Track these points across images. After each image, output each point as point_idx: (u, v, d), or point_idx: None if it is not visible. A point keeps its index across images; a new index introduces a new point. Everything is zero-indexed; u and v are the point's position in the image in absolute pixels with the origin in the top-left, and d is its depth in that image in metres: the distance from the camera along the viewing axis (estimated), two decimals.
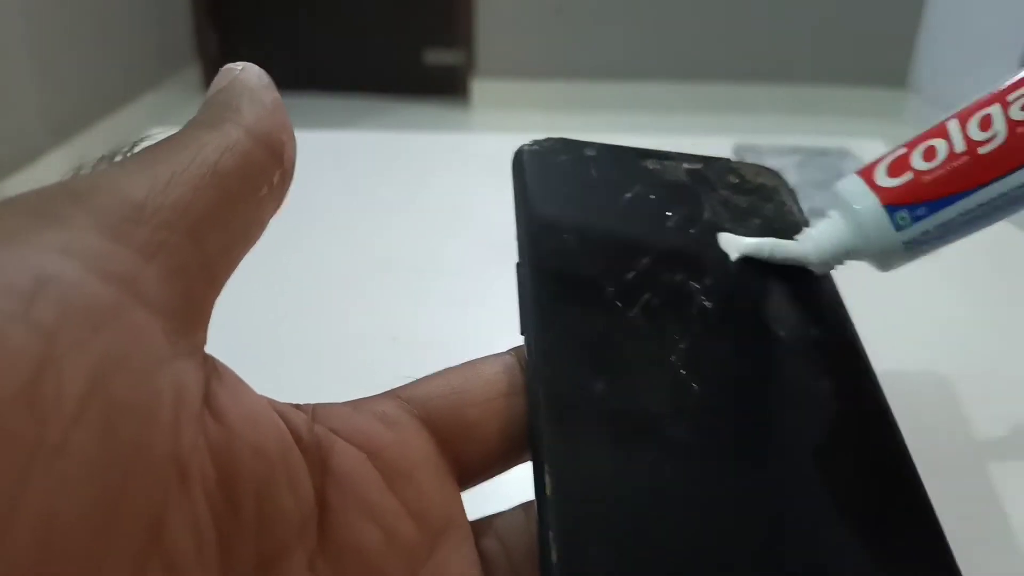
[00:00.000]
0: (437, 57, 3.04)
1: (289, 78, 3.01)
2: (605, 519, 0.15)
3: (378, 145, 0.67)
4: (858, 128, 2.79)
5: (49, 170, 2.02)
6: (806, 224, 0.22)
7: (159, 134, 0.16)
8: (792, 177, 0.58)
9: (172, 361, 0.12)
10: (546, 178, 0.22)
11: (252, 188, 0.15)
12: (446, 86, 3.05)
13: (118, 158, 0.14)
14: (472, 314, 0.41)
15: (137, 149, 0.14)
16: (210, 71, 3.01)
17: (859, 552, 0.16)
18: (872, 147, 0.69)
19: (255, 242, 0.15)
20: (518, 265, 0.20)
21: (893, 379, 0.20)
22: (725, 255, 0.21)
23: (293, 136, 0.16)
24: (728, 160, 0.24)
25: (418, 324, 0.41)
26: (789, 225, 0.22)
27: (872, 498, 0.17)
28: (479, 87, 2.98)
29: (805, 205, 0.24)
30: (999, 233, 0.55)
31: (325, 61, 3.01)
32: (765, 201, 0.23)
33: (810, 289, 0.21)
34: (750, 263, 0.21)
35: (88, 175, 0.13)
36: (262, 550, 0.14)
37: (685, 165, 0.23)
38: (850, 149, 0.66)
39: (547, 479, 0.15)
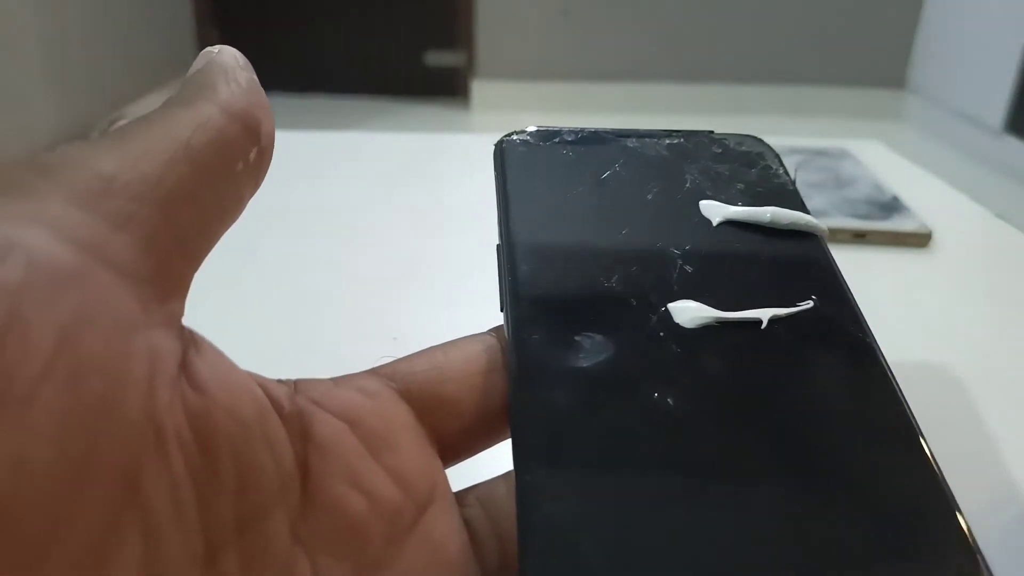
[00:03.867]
0: (437, 58, 3.04)
1: (290, 79, 3.01)
2: (579, 501, 0.15)
3: (378, 146, 0.67)
4: (857, 129, 2.80)
5: None
6: (793, 185, 0.22)
7: (132, 115, 0.16)
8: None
9: (146, 327, 0.13)
10: (525, 163, 0.23)
11: (226, 164, 0.15)
12: (446, 87, 3.05)
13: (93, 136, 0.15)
14: (472, 314, 0.41)
15: (111, 129, 0.15)
16: None
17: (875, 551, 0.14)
18: (871, 148, 0.69)
19: (234, 219, 0.15)
20: (497, 246, 0.20)
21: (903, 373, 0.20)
22: (707, 222, 0.21)
23: (270, 114, 0.17)
24: (710, 132, 0.24)
25: (418, 324, 0.42)
26: (775, 188, 0.22)
27: (887, 495, 0.15)
28: (479, 88, 2.98)
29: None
30: (999, 232, 0.55)
31: (326, 62, 3.01)
32: (749, 167, 0.23)
33: (801, 256, 0.21)
34: (733, 230, 0.21)
35: (58, 150, 0.13)
36: (241, 511, 0.14)
37: (666, 140, 0.23)
38: (849, 150, 0.66)
39: (518, 457, 0.15)
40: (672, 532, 0.14)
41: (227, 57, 0.17)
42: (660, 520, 0.15)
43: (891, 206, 0.55)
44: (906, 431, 0.17)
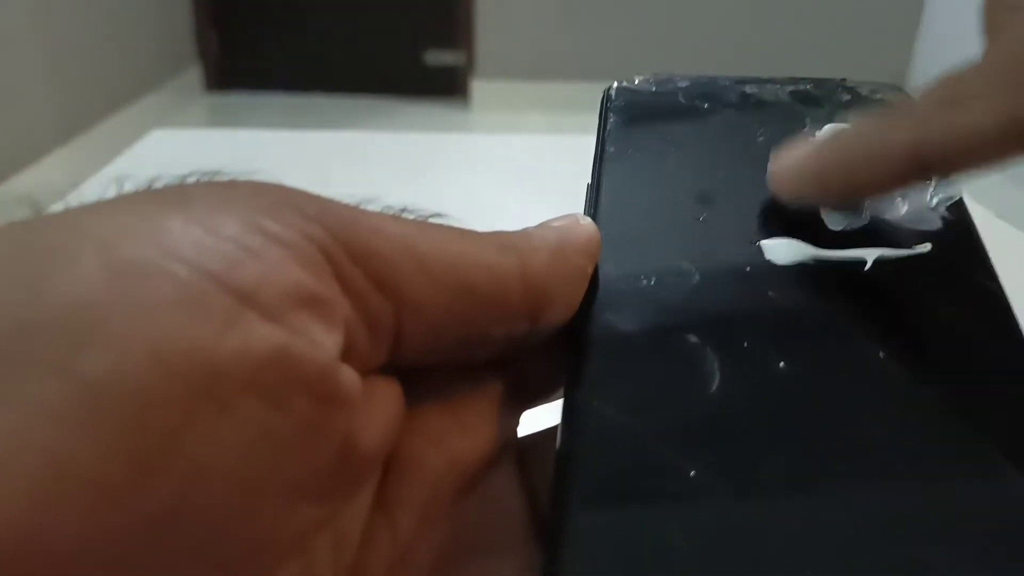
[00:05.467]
0: (437, 58, 3.04)
1: (289, 78, 3.01)
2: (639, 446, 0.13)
3: (378, 145, 0.67)
4: None
5: (53, 169, 2.02)
6: None
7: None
8: None
9: (337, 365, 0.12)
10: (630, 107, 0.21)
11: (486, 318, 0.15)
12: (446, 87, 3.05)
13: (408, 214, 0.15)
14: None
15: (433, 219, 0.15)
16: (211, 71, 3.02)
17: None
18: None
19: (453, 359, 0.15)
20: (587, 185, 0.19)
21: None
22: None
23: (565, 313, 0.16)
24: (843, 79, 0.22)
25: None
26: None
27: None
28: (479, 88, 2.98)
29: None
30: (1000, 232, 0.55)
31: (325, 61, 3.01)
32: None
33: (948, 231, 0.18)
34: None
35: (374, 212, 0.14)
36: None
37: (790, 87, 0.22)
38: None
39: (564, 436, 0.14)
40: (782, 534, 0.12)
41: (581, 235, 0.16)
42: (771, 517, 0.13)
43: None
44: None
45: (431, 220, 0.15)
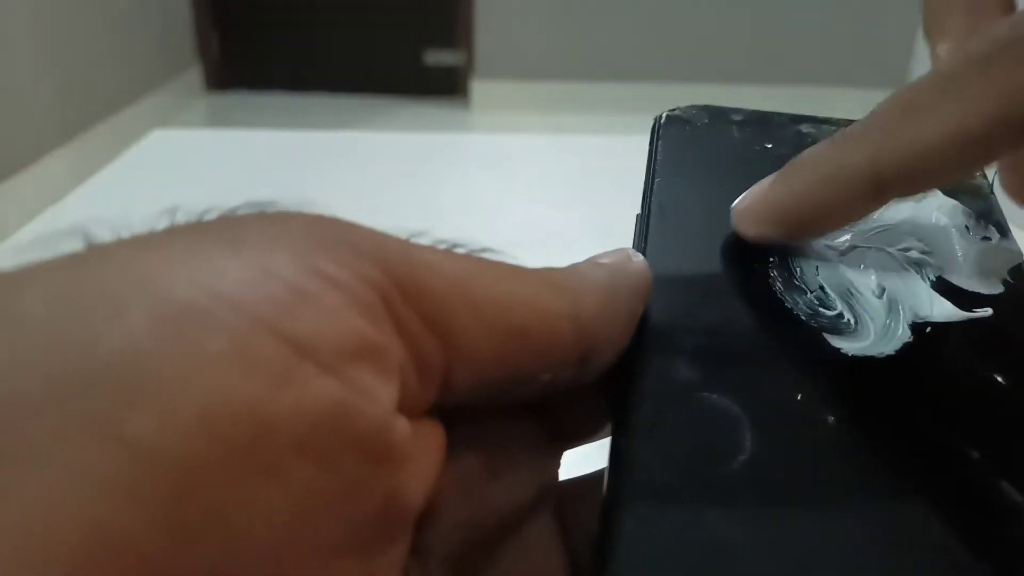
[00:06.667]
0: (437, 58, 3.04)
1: (289, 78, 3.01)
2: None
3: (378, 145, 0.67)
4: None
5: (52, 169, 2.02)
6: (990, 189, 0.20)
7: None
8: None
9: (392, 420, 0.12)
10: (681, 139, 0.21)
11: (535, 361, 0.14)
12: (446, 87, 3.05)
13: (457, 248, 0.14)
14: None
15: (484, 254, 0.15)
16: (211, 72, 3.02)
17: None
18: None
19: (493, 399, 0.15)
20: (638, 216, 0.19)
21: None
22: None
23: (614, 355, 0.15)
24: None
25: None
26: (968, 189, 0.20)
27: None
28: (479, 88, 2.98)
29: None
30: None
31: (325, 61, 3.01)
32: None
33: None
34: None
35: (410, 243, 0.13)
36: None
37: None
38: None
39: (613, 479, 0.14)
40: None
41: (634, 274, 0.16)
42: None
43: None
44: None
45: (483, 255, 0.14)
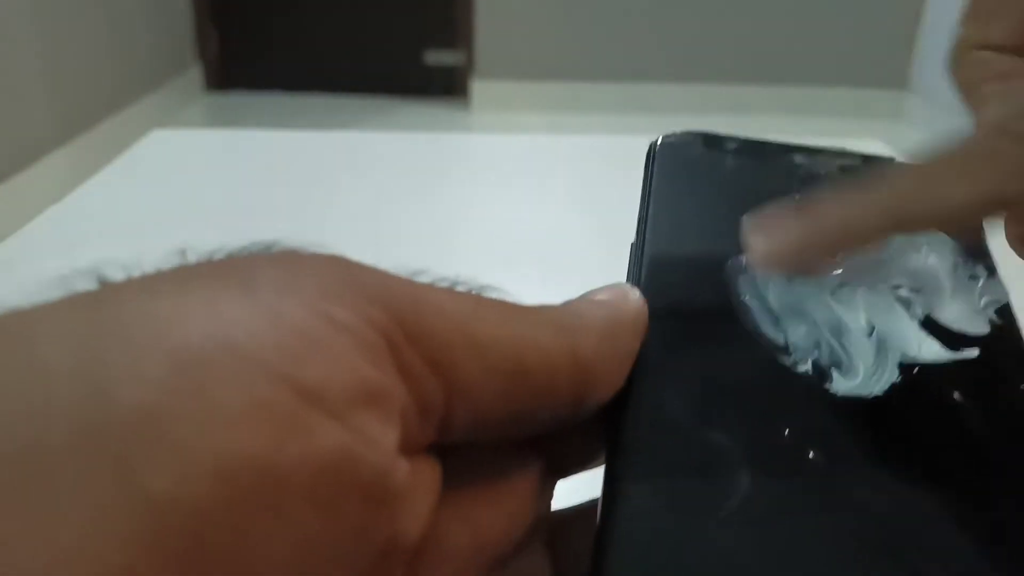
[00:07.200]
0: (437, 58, 3.04)
1: (289, 78, 3.01)
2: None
3: (378, 145, 0.67)
4: (858, 129, 2.79)
5: (53, 170, 2.03)
6: (981, 227, 0.20)
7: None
8: None
9: (394, 464, 0.12)
10: (676, 167, 0.21)
11: (535, 401, 0.14)
12: (446, 87, 3.05)
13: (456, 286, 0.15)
14: None
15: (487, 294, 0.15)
16: (211, 71, 3.02)
17: None
18: (872, 148, 0.69)
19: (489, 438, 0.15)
20: (632, 244, 0.19)
21: None
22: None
23: (611, 393, 0.16)
24: (892, 159, 0.22)
25: None
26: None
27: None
28: (479, 88, 2.98)
29: None
30: (999, 232, 0.55)
31: (325, 61, 3.01)
32: None
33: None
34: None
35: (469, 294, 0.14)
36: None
37: (838, 161, 0.21)
38: (849, 150, 0.66)
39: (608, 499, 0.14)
40: None
41: (635, 316, 0.16)
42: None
43: None
44: None
45: (484, 293, 0.15)
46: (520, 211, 0.55)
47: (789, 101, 2.98)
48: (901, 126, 2.96)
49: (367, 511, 0.11)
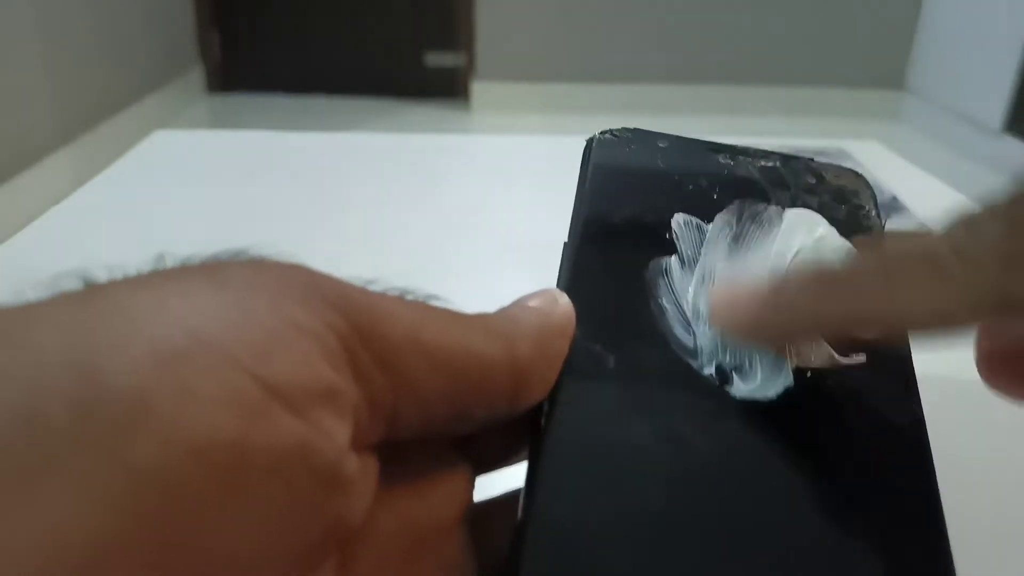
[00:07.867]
0: (438, 59, 3.04)
1: (290, 80, 3.01)
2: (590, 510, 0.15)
3: (379, 146, 0.68)
4: (856, 129, 2.80)
5: (54, 170, 2.03)
6: (880, 228, 0.22)
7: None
8: None
9: (346, 456, 0.14)
10: (611, 165, 0.22)
11: (474, 400, 0.16)
12: (447, 88, 3.05)
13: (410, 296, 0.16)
14: None
15: (431, 301, 0.16)
16: (213, 73, 3.02)
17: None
18: (870, 148, 0.70)
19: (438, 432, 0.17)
20: (564, 244, 0.20)
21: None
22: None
23: (543, 393, 0.17)
24: (809, 160, 0.23)
25: None
26: (861, 229, 0.21)
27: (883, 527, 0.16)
28: (479, 89, 2.98)
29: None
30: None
31: (326, 63, 3.02)
32: (840, 203, 0.22)
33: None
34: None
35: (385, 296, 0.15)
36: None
37: (760, 162, 0.22)
38: (848, 150, 0.67)
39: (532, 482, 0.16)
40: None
41: (563, 320, 0.18)
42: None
43: (890, 206, 0.55)
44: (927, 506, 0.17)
45: (429, 302, 0.16)
46: (520, 212, 0.55)
47: (787, 102, 2.99)
48: (899, 126, 2.96)
49: (320, 493, 0.13)
